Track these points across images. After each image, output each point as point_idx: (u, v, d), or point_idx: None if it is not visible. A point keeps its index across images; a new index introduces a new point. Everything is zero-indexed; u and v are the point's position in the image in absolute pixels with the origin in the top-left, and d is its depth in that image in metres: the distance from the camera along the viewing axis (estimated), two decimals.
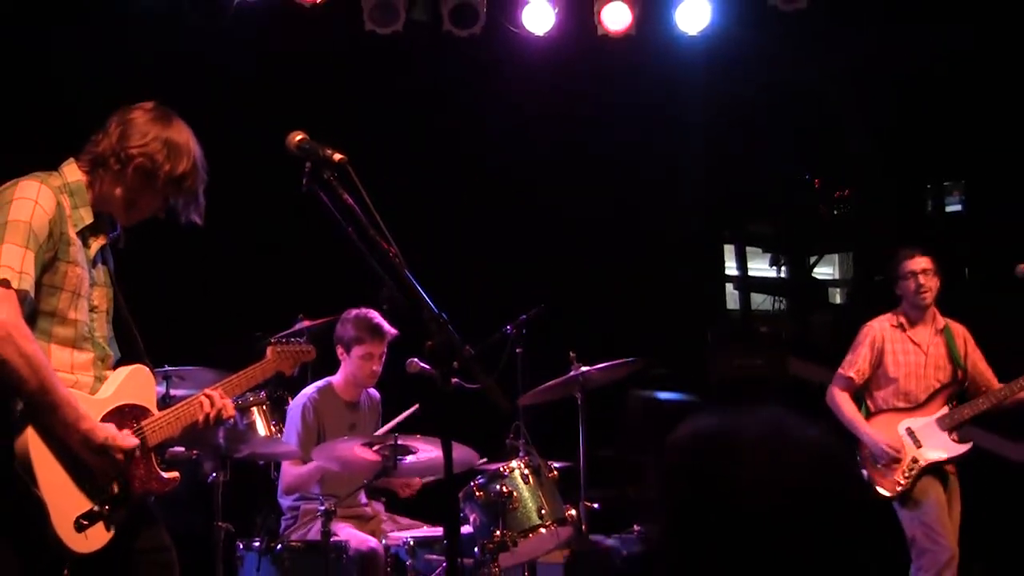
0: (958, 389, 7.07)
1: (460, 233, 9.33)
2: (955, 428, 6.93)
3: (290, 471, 6.74)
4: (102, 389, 4.02)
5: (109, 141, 4.07)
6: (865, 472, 6.97)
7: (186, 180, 4.11)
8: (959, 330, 7.17)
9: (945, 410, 6.99)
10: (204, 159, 4.20)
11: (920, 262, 6.99)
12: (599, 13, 8.71)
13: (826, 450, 1.92)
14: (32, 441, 3.71)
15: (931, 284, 7.02)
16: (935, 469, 6.91)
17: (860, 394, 7.17)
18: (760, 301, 13.15)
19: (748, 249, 12.97)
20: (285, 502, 6.88)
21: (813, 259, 13.23)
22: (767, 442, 1.91)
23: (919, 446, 6.92)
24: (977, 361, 7.12)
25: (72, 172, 4.05)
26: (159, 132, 4.08)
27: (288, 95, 8.65)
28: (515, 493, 6.15)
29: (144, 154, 4.04)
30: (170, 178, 4.07)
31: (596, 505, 6.81)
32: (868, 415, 7.11)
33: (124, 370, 4.12)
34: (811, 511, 1.86)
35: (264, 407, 6.89)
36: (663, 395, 8.66)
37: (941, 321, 7.11)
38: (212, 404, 4.21)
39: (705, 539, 1.89)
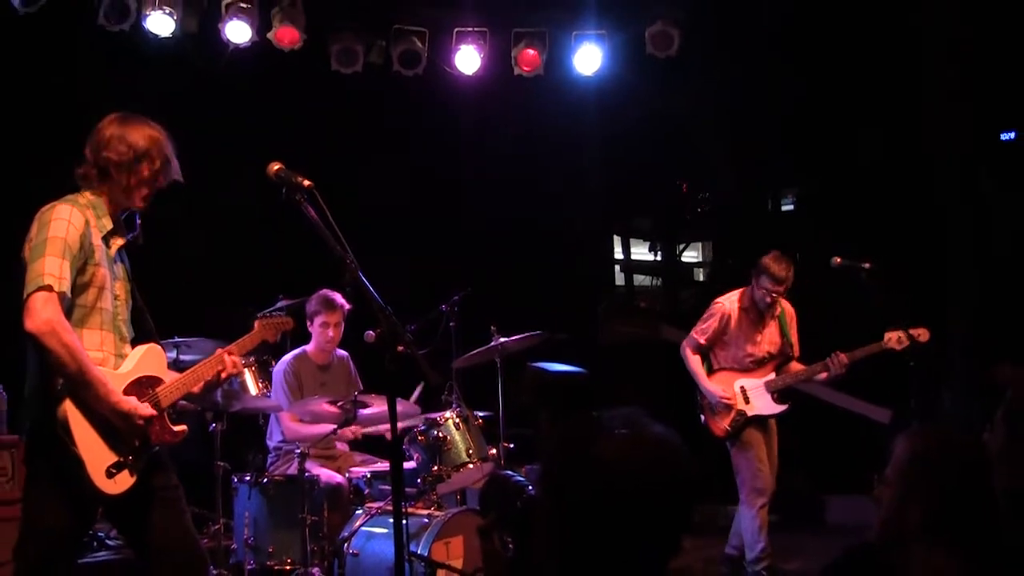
0: (784, 361, 7.12)
1: (407, 232, 9.31)
2: (776, 391, 7.01)
3: (289, 425, 6.71)
4: (124, 364, 4.03)
5: (89, 160, 4.06)
6: (702, 417, 7.09)
7: (151, 152, 4.06)
8: (790, 312, 7.15)
9: (772, 376, 7.05)
10: (164, 133, 4.14)
11: (781, 289, 6.87)
12: (515, 57, 8.75)
13: (668, 441, 1.95)
14: (69, 410, 3.74)
15: (779, 299, 6.99)
16: (758, 420, 7.00)
17: (706, 354, 7.17)
18: (641, 280, 13.23)
19: (632, 239, 13.04)
20: (271, 444, 6.87)
21: (681, 246, 13.32)
22: (624, 432, 1.93)
23: (747, 402, 6.99)
24: (793, 337, 7.16)
25: (89, 193, 4.06)
26: (116, 131, 4.05)
27: (271, 117, 8.63)
28: (448, 437, 6.18)
29: (113, 152, 4.01)
30: (136, 156, 4.02)
31: (512, 445, 6.85)
32: (711, 371, 7.14)
33: (141, 348, 4.12)
34: (656, 488, 1.89)
35: (253, 369, 6.90)
36: (552, 367, 8.68)
37: (778, 308, 7.06)
38: (224, 365, 4.24)
39: (572, 503, 1.93)
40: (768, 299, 6.91)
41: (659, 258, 13.13)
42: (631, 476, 1.88)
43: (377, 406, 6.08)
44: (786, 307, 7.13)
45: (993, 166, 9.55)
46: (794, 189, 11.98)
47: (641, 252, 13.19)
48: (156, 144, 4.10)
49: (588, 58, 8.81)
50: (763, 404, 7.00)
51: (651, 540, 1.89)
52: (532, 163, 10.09)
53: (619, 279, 12.87)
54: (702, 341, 7.10)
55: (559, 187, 10.55)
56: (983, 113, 9.43)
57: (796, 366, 7.13)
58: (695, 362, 7.10)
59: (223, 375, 4.25)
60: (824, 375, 6.95)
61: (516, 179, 9.95)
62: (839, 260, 6.84)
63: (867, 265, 6.76)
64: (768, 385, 7.01)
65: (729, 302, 7.11)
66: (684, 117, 11.32)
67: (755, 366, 7.07)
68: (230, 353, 4.29)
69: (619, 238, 12.84)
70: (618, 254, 12.85)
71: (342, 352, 7.11)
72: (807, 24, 9.42)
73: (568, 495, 1.91)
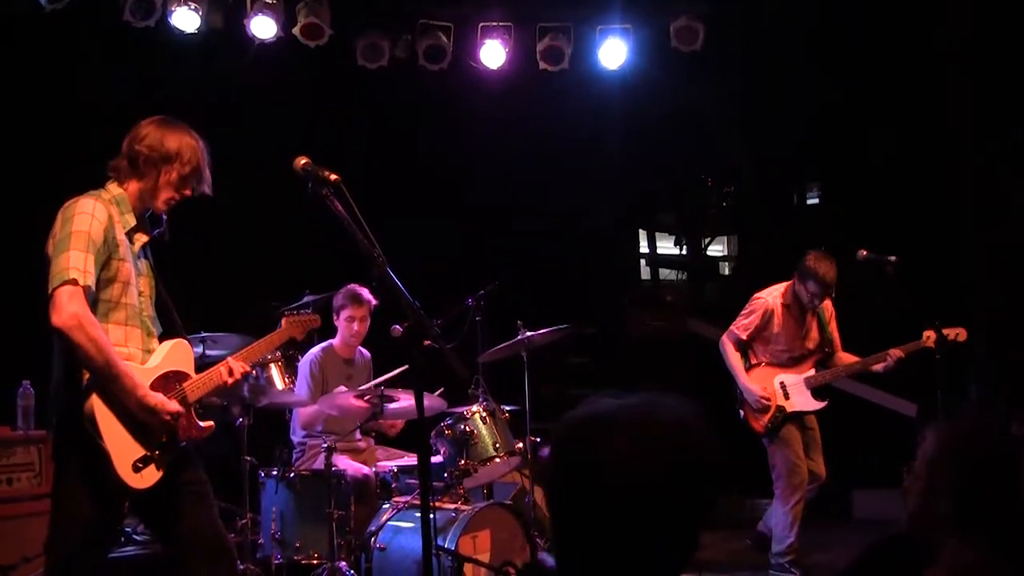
0: (823, 356, 7.05)
1: (433, 226, 9.29)
2: (815, 387, 6.94)
3: (302, 412, 6.76)
4: (151, 360, 4.02)
5: (123, 152, 4.07)
6: (741, 412, 7.02)
7: (182, 156, 4.06)
8: (828, 309, 7.08)
9: (812, 372, 6.97)
10: (202, 143, 4.15)
11: (830, 292, 6.80)
12: (539, 52, 8.72)
13: (685, 428, 1.85)
14: (96, 404, 3.74)
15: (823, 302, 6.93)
16: (795, 417, 6.93)
17: (744, 348, 7.10)
18: (666, 274, 13.18)
19: (657, 233, 12.99)
20: (296, 439, 6.87)
21: (706, 240, 13.27)
22: (637, 424, 1.84)
23: (787, 397, 6.92)
24: (833, 331, 7.10)
25: (115, 187, 4.05)
26: (154, 130, 4.07)
27: (296, 112, 8.63)
28: (475, 431, 6.19)
29: (145, 146, 4.02)
30: (166, 156, 4.03)
31: (539, 439, 6.80)
32: (748, 366, 7.05)
33: (168, 344, 4.12)
34: (674, 479, 1.81)
35: (279, 364, 6.90)
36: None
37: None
38: (231, 371, 4.23)
39: (572, 508, 1.87)
40: (816, 301, 6.84)
41: (684, 252, 13.08)
42: (644, 471, 1.79)
43: (404, 400, 6.09)
44: (825, 303, 7.03)
45: (1017, 159, 9.47)
46: (819, 182, 11.90)
47: (666, 246, 13.12)
48: (190, 150, 4.09)
49: (613, 52, 8.78)
50: (802, 400, 6.93)
51: (668, 534, 1.84)
52: (557, 157, 10.04)
53: (644, 273, 12.81)
54: (744, 337, 7.02)
55: (584, 181, 10.50)
56: (1004, 107, 9.35)
57: (845, 358, 7.06)
58: (736, 358, 7.02)
59: (228, 382, 4.23)
60: (880, 366, 6.86)
61: (541, 173, 9.91)
62: (865, 253, 6.78)
63: (893, 258, 6.71)
64: (808, 381, 6.94)
65: (772, 298, 7.01)
66: (709, 111, 11.26)
67: (793, 363, 7.00)
68: (238, 359, 4.28)
69: (644, 232, 12.76)
70: (643, 248, 12.79)
71: (366, 352, 7.12)
72: (831, 18, 9.34)
73: (578, 495, 1.86)
